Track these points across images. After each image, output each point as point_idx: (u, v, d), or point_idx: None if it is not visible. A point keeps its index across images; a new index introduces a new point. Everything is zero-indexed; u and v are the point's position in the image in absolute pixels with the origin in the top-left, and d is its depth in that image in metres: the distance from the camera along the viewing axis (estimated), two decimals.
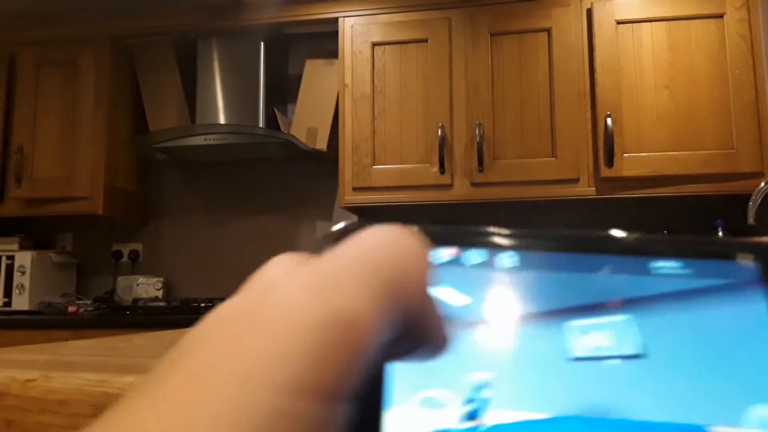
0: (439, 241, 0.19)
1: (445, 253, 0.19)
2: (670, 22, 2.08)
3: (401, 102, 2.22)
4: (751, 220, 1.75)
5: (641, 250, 0.19)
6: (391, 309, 0.16)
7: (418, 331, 0.17)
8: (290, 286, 0.16)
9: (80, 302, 2.39)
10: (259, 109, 2.44)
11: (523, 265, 0.19)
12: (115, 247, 2.67)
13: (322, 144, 2.39)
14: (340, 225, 0.19)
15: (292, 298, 0.15)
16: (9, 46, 2.52)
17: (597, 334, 0.18)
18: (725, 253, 0.19)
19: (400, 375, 0.18)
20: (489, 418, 0.17)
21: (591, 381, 0.18)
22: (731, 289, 0.19)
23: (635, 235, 0.20)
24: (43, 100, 2.48)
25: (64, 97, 2.47)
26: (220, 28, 2.46)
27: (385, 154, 2.20)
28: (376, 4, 2.29)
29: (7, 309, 2.35)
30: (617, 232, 0.20)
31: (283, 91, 2.61)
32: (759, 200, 1.75)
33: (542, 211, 2.36)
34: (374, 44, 2.26)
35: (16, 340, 2.01)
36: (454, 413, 0.17)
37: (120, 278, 2.53)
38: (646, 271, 0.19)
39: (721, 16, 2.05)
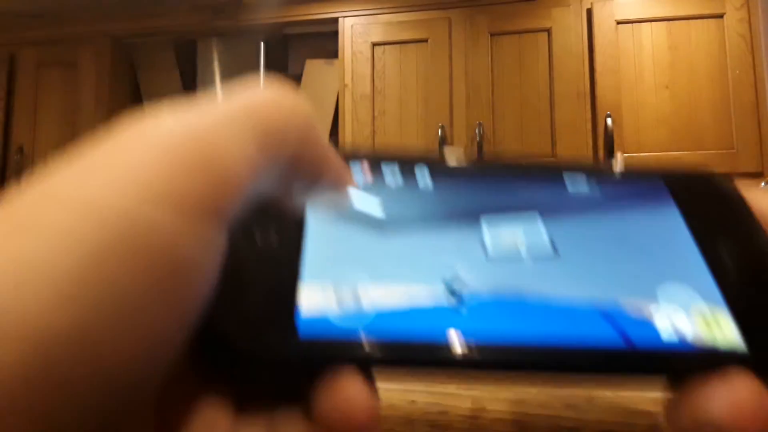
0: (366, 157, 0.21)
1: (367, 167, 0.21)
2: (670, 22, 2.08)
3: (401, 102, 2.22)
4: None
5: (558, 170, 0.21)
6: (267, 144, 0.16)
7: (307, 167, 0.18)
8: (162, 114, 0.16)
9: None
10: None
11: (445, 181, 0.21)
12: None
13: None
14: None
15: (161, 121, 0.15)
16: (9, 46, 2.52)
17: (512, 236, 0.20)
18: (636, 175, 0.22)
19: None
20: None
21: (508, 276, 0.19)
22: (642, 203, 0.21)
23: (552, 159, 0.22)
24: (43, 100, 2.48)
25: (64, 97, 2.47)
26: (220, 28, 2.46)
27: None
28: (376, 4, 2.29)
29: None
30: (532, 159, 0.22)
31: None
32: None
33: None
34: (374, 44, 2.26)
35: None
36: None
37: None
38: (563, 188, 0.21)
39: (721, 16, 2.05)
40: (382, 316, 0.17)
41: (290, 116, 0.17)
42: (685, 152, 2.01)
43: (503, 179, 0.21)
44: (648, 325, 0.17)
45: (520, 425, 0.25)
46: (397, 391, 0.26)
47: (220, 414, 0.16)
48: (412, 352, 0.17)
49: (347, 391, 0.15)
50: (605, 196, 0.21)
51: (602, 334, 0.17)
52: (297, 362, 0.16)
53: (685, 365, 0.16)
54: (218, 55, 2.50)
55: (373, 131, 2.22)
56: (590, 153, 2.08)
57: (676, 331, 0.17)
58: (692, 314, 0.18)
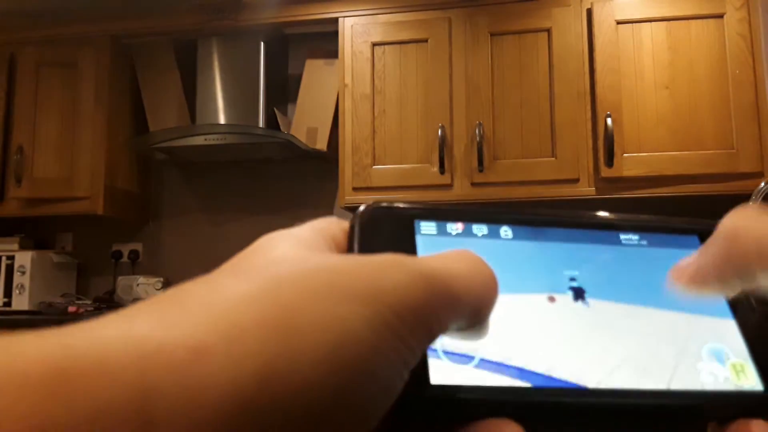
0: (448, 217, 0.23)
1: (456, 227, 0.23)
2: (670, 22, 2.08)
3: (401, 102, 2.22)
4: None
5: (612, 226, 0.25)
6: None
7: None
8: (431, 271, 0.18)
9: (80, 302, 2.39)
10: (259, 109, 2.44)
11: (517, 237, 0.24)
12: (115, 247, 2.67)
13: (322, 144, 2.39)
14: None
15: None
16: (9, 46, 2.52)
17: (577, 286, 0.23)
18: (674, 229, 0.26)
19: None
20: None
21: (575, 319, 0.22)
22: (678, 253, 0.24)
23: (608, 215, 0.25)
24: (43, 100, 2.47)
25: (64, 97, 2.47)
26: (220, 28, 2.46)
27: (385, 154, 2.20)
28: (376, 4, 2.28)
29: (7, 309, 2.35)
30: (594, 213, 0.25)
31: (283, 91, 2.61)
32: (759, 200, 1.75)
33: None
34: (374, 44, 2.26)
35: None
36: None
37: (120, 278, 2.52)
38: (618, 242, 0.25)
39: (721, 16, 2.05)
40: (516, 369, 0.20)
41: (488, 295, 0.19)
42: (685, 152, 2.01)
43: (571, 235, 0.24)
44: (694, 379, 0.21)
45: None
46: None
47: None
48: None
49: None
50: (656, 252, 0.25)
51: (654, 385, 0.20)
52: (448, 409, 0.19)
53: (722, 415, 0.20)
54: (218, 55, 2.50)
55: (373, 131, 2.21)
56: (590, 153, 2.08)
57: (714, 385, 0.21)
58: (728, 370, 0.21)
